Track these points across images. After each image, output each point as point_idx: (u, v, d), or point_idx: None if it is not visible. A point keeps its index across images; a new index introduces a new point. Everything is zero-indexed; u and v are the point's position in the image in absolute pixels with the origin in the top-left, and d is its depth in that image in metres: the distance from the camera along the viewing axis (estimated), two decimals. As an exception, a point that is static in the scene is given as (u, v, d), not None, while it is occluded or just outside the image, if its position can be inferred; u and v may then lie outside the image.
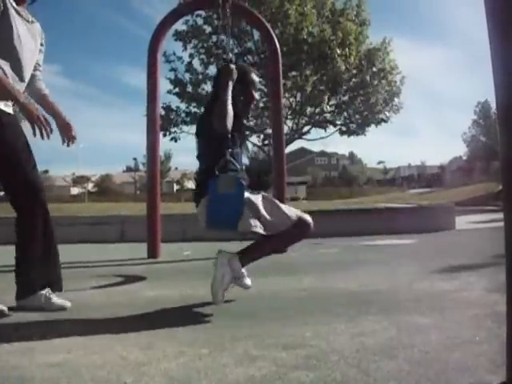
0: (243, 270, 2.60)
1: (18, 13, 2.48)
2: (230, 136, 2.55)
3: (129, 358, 1.77)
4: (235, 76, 2.66)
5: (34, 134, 2.39)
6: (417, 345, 1.83)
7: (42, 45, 2.71)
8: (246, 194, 2.51)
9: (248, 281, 2.65)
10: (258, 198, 2.58)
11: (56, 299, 2.62)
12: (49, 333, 2.14)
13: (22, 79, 2.53)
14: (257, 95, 2.82)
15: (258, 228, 2.49)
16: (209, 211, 2.51)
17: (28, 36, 2.54)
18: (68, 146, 2.69)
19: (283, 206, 2.64)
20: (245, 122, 2.92)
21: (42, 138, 2.39)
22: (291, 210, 2.63)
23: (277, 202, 2.66)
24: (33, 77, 2.67)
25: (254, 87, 2.79)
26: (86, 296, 3.04)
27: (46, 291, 2.61)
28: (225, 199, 2.45)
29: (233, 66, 2.68)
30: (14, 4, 2.46)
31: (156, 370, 1.64)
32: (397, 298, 2.77)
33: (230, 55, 3.02)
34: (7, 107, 2.50)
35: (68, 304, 2.62)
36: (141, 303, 2.82)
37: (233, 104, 2.59)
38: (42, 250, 2.60)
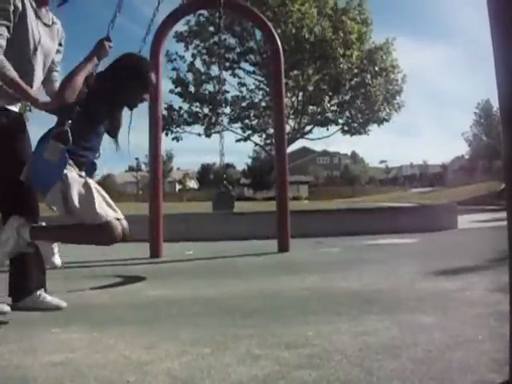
0: (54, 249, 2.48)
1: (37, 15, 2.42)
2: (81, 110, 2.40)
3: (131, 358, 1.77)
4: (105, 56, 2.51)
5: None
6: (420, 344, 1.83)
7: (60, 45, 2.66)
8: (69, 172, 2.38)
9: (57, 260, 2.50)
10: (78, 181, 2.40)
11: (51, 299, 2.59)
12: (51, 333, 2.15)
13: (29, 84, 2.45)
14: (147, 96, 2.66)
15: (54, 208, 2.41)
16: (30, 166, 2.45)
17: (46, 38, 2.49)
18: None
19: (100, 202, 2.39)
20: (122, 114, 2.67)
21: None
22: (107, 211, 2.38)
23: (97, 196, 2.42)
24: (49, 79, 2.62)
25: (149, 88, 2.62)
26: (87, 296, 3.05)
27: (41, 291, 2.58)
28: (45, 165, 2.38)
29: (107, 45, 2.50)
30: (34, 5, 2.41)
31: (159, 369, 1.64)
32: (399, 298, 2.77)
33: (109, 33, 2.64)
34: (15, 107, 2.50)
35: (64, 304, 2.60)
36: (143, 303, 2.83)
37: (120, 94, 2.50)
38: (35, 250, 2.58)
